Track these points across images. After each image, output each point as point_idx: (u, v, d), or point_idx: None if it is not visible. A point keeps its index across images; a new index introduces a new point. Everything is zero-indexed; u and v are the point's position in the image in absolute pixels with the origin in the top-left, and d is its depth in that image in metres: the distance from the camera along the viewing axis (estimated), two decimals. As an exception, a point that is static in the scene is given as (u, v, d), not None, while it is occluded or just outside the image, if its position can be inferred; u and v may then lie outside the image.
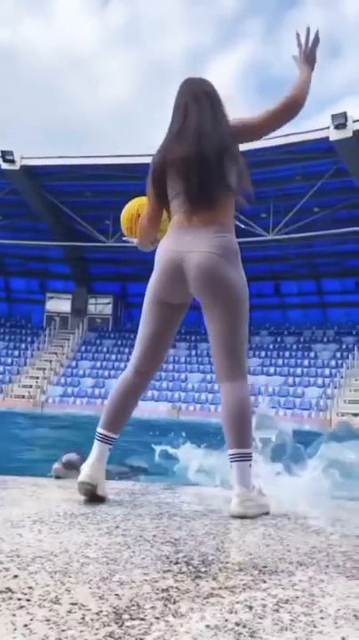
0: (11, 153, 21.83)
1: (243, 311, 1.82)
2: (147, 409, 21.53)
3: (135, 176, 22.79)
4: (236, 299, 1.80)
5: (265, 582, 1.10)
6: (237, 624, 0.88)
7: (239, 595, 1.02)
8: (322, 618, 0.93)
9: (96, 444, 1.89)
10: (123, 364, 23.69)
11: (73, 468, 2.54)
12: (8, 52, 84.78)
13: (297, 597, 1.02)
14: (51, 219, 24.97)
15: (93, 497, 1.82)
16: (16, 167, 22.07)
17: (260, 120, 1.86)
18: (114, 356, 26.38)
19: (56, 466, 2.52)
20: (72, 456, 2.55)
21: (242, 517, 1.69)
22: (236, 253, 1.84)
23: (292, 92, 1.88)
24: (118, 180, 22.14)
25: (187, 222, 1.81)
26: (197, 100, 1.85)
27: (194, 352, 26.24)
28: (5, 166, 21.97)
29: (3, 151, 21.75)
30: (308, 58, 1.95)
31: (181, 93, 1.89)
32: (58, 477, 2.46)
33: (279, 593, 1.04)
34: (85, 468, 1.84)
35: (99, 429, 1.90)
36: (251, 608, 0.95)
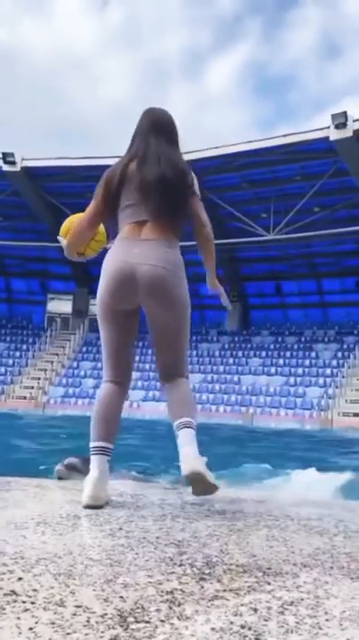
0: (11, 154, 21.85)
1: (186, 318, 1.96)
2: (148, 409, 21.54)
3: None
4: (181, 309, 1.93)
5: (269, 584, 1.10)
6: (242, 626, 0.88)
7: (244, 597, 1.01)
8: (327, 620, 0.92)
9: (95, 459, 1.83)
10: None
11: (74, 469, 2.55)
12: (8, 53, 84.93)
13: (302, 599, 1.02)
14: (51, 220, 24.98)
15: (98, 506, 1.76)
16: (17, 169, 22.10)
17: (204, 226, 2.05)
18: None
19: (58, 467, 2.54)
20: (73, 458, 2.57)
21: (197, 474, 1.80)
22: (182, 267, 1.96)
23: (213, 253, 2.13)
24: (119, 181, 22.10)
25: (138, 234, 1.90)
26: (159, 130, 1.99)
27: (194, 352, 26.22)
28: (6, 168, 22.00)
29: (4, 153, 21.79)
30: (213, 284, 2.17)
31: (145, 121, 2.03)
32: (60, 478, 2.48)
33: (284, 595, 1.04)
34: (89, 488, 1.76)
35: (95, 443, 1.85)
36: (256, 610, 0.95)
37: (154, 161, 1.92)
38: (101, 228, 2.10)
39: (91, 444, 1.86)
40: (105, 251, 2.04)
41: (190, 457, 1.80)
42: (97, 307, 1.96)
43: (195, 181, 2.03)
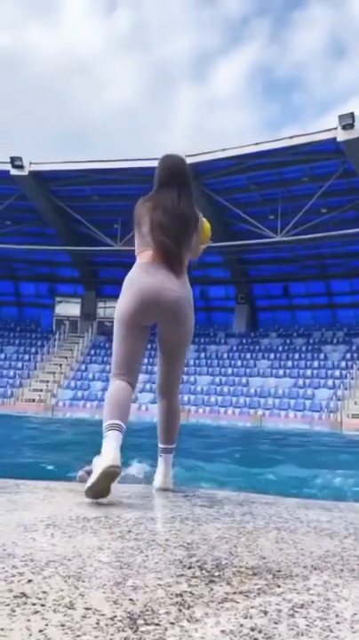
0: (19, 159, 22.00)
1: (191, 338, 2.32)
2: (156, 412, 21.52)
3: (142, 180, 22.92)
4: (190, 330, 2.28)
5: (279, 587, 1.09)
6: (252, 629, 0.87)
7: (254, 599, 1.01)
8: (338, 622, 0.92)
9: (111, 434, 1.97)
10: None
11: None
12: (15, 58, 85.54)
13: (312, 602, 1.01)
14: (59, 223, 25.11)
15: (107, 490, 1.87)
16: (25, 173, 22.24)
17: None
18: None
19: (81, 473, 2.52)
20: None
21: (165, 490, 2.27)
22: (192, 296, 2.29)
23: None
24: (126, 184, 22.22)
25: (159, 262, 2.20)
26: (175, 181, 2.32)
27: (202, 354, 26.20)
28: (14, 172, 22.15)
29: (12, 157, 21.94)
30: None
31: (163, 172, 2.36)
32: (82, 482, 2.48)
33: (294, 597, 1.03)
34: (110, 454, 1.90)
35: (109, 421, 2.01)
36: (266, 613, 0.94)
37: (171, 211, 2.25)
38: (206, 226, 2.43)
39: (105, 423, 2.02)
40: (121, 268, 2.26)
41: (166, 477, 2.32)
42: (117, 318, 2.21)
43: (199, 224, 2.34)
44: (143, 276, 2.18)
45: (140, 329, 2.20)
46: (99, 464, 1.88)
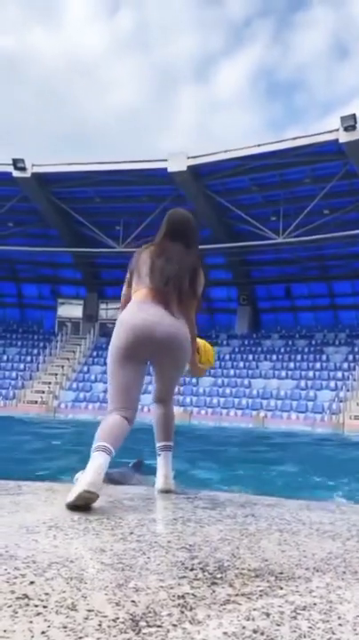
0: (22, 161, 22.03)
1: (185, 366, 2.40)
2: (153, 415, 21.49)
3: (144, 181, 22.94)
4: (184, 362, 2.35)
5: (282, 589, 1.09)
6: (255, 631, 0.87)
7: (256, 601, 1.01)
8: (340, 625, 0.92)
9: (96, 456, 1.92)
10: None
11: (112, 481, 2.54)
12: (18, 60, 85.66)
13: (314, 604, 1.01)
14: (61, 225, 25.13)
15: (87, 508, 1.79)
16: (27, 175, 22.26)
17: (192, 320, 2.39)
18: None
19: (77, 475, 2.45)
20: (111, 469, 2.49)
21: (167, 492, 2.25)
22: (189, 335, 2.30)
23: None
24: (128, 186, 22.25)
25: (153, 299, 2.24)
26: (179, 235, 2.40)
27: (205, 356, 26.18)
28: (17, 174, 22.17)
29: (14, 159, 21.96)
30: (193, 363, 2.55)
31: (168, 226, 2.43)
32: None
33: (296, 599, 1.03)
34: (88, 476, 1.82)
35: (99, 442, 1.97)
36: (268, 615, 0.94)
37: (172, 263, 2.30)
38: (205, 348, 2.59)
39: (95, 444, 1.98)
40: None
41: (166, 477, 2.31)
42: (111, 352, 2.23)
43: (201, 279, 2.38)
44: (137, 313, 2.21)
45: (135, 364, 2.19)
46: (78, 485, 1.82)
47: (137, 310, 2.22)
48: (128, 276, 2.40)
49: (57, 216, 24.51)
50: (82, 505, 1.78)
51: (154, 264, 2.30)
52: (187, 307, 2.31)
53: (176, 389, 2.51)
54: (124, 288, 2.41)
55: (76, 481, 1.94)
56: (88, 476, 1.83)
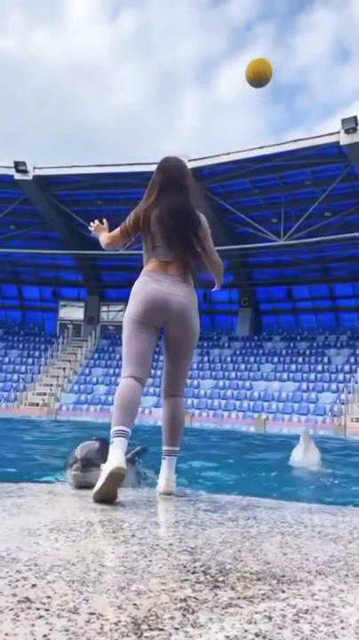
0: (23, 164, 22.07)
1: (196, 342, 2.41)
2: (160, 416, 21.49)
3: (146, 184, 22.86)
4: (196, 338, 2.38)
5: (284, 592, 1.09)
6: (257, 635, 0.87)
7: (258, 605, 1.01)
8: (343, 628, 0.91)
9: (117, 441, 2.08)
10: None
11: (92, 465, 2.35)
12: (20, 62, 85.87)
13: (317, 607, 1.01)
14: (63, 227, 25.17)
15: (114, 490, 1.96)
16: (29, 177, 22.30)
17: (215, 257, 2.51)
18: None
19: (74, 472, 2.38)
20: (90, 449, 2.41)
21: (169, 494, 2.28)
22: (197, 301, 2.39)
23: (221, 271, 2.63)
24: (129, 188, 22.26)
25: (165, 270, 2.31)
26: (170, 185, 2.37)
27: (206, 358, 26.16)
28: (18, 176, 22.21)
29: (16, 162, 22.00)
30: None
31: (159, 176, 2.40)
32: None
33: (298, 603, 1.03)
34: (114, 458, 2.00)
35: (116, 427, 2.11)
36: (270, 618, 0.94)
37: (168, 214, 2.32)
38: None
39: (112, 429, 2.12)
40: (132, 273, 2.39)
41: (169, 480, 2.33)
42: (127, 320, 2.31)
43: (204, 222, 2.41)
44: (150, 283, 2.29)
45: (148, 328, 2.28)
46: (106, 468, 1.98)
47: (150, 281, 2.30)
48: (123, 225, 2.43)
49: (58, 218, 24.54)
50: (110, 486, 1.95)
51: (155, 234, 2.32)
52: (203, 252, 2.38)
53: (185, 381, 2.48)
54: (117, 230, 2.48)
55: (102, 472, 2.05)
56: (115, 459, 1.99)
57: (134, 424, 2.19)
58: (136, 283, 2.34)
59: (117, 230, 2.49)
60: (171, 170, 2.42)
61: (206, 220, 2.45)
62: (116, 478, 1.96)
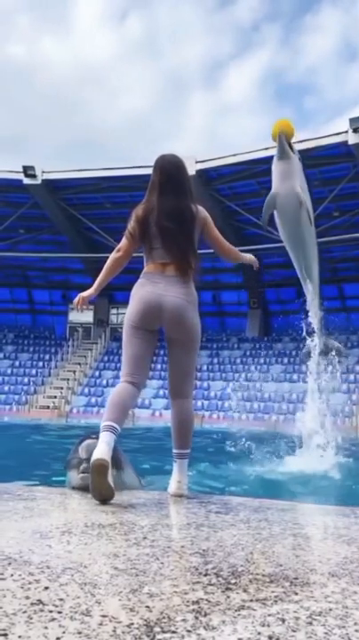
0: (32, 168, 22.20)
1: (198, 345, 2.41)
2: (169, 418, 21.48)
3: (154, 186, 22.96)
4: (194, 333, 2.36)
5: (297, 594, 1.08)
6: (270, 637, 0.86)
7: (271, 607, 1.00)
8: (356, 630, 0.91)
9: (104, 435, 2.09)
10: (145, 374, 23.65)
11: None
12: (28, 68, 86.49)
13: (330, 609, 1.00)
14: (72, 231, 25.28)
15: (104, 482, 1.96)
16: (37, 182, 22.43)
17: (224, 245, 2.56)
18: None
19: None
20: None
21: (180, 496, 2.27)
22: (196, 299, 2.38)
23: (236, 250, 2.69)
24: (137, 191, 22.28)
25: (162, 272, 2.33)
26: (167, 184, 2.37)
27: (216, 360, 26.12)
28: (27, 181, 22.35)
29: (24, 166, 22.14)
30: (243, 257, 2.79)
31: (156, 176, 2.40)
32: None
33: (312, 605, 1.02)
34: (98, 450, 2.02)
35: (106, 422, 2.13)
36: (283, 621, 0.93)
37: (164, 216, 2.32)
38: None
39: (103, 423, 2.14)
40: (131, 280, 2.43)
41: (180, 483, 2.33)
42: (126, 324, 2.36)
43: (203, 215, 2.42)
44: (146, 286, 2.33)
45: (145, 332, 2.32)
46: (92, 456, 2.02)
47: (146, 283, 2.34)
48: (127, 232, 2.41)
49: (67, 222, 24.66)
50: (97, 478, 1.96)
51: (152, 236, 2.32)
52: (215, 245, 2.47)
53: (192, 381, 2.47)
54: (123, 241, 2.45)
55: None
56: (97, 450, 2.02)
57: (125, 423, 2.23)
58: (134, 285, 2.37)
59: (123, 240, 2.47)
60: (169, 167, 2.40)
61: (205, 210, 2.45)
62: (99, 469, 1.98)
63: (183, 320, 2.30)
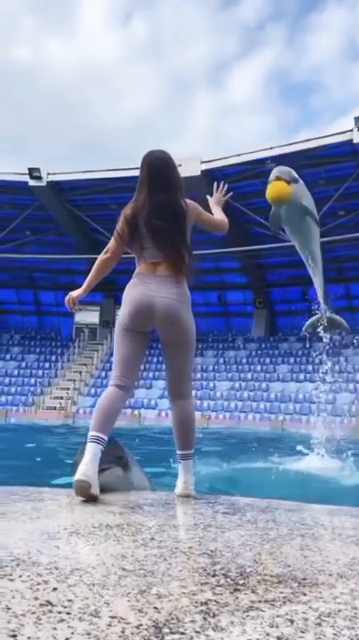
0: (37, 170, 22.28)
1: (193, 345, 2.36)
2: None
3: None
4: (188, 332, 2.32)
5: (305, 595, 1.08)
6: (279, 638, 0.86)
7: (279, 608, 1.00)
8: (366, 632, 0.90)
9: (90, 446, 2.11)
10: (151, 374, 23.70)
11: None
12: (32, 71, 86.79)
13: (339, 610, 0.99)
14: (77, 232, 25.34)
15: (88, 496, 2.01)
16: (43, 183, 22.50)
17: (216, 220, 2.57)
18: (142, 366, 26.39)
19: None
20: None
21: (186, 497, 2.27)
22: (189, 299, 2.34)
23: (223, 219, 2.63)
24: (142, 192, 22.29)
25: (153, 272, 2.30)
26: (156, 180, 2.32)
27: (221, 360, 26.10)
28: (32, 183, 22.42)
29: (30, 168, 22.22)
30: (218, 202, 2.72)
31: (144, 173, 2.35)
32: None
33: (321, 606, 1.02)
34: (82, 467, 2.04)
35: (92, 433, 2.15)
36: (292, 622, 0.93)
37: (154, 214, 2.28)
38: None
39: (89, 433, 2.16)
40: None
41: (186, 483, 2.33)
42: (117, 326, 2.35)
43: (193, 209, 2.40)
44: (137, 286, 2.31)
45: (136, 334, 2.30)
46: (75, 475, 2.05)
47: (138, 284, 2.31)
48: (116, 233, 2.38)
49: (73, 223, 24.72)
50: (82, 495, 2.01)
51: (142, 236, 2.29)
52: (204, 224, 2.43)
53: (190, 381, 2.44)
54: (111, 242, 2.42)
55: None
56: (81, 468, 2.04)
57: (113, 429, 2.24)
58: (126, 286, 2.34)
59: (112, 241, 2.43)
60: (157, 163, 2.34)
61: (193, 202, 2.42)
62: (80, 489, 2.01)
63: (176, 320, 2.26)
